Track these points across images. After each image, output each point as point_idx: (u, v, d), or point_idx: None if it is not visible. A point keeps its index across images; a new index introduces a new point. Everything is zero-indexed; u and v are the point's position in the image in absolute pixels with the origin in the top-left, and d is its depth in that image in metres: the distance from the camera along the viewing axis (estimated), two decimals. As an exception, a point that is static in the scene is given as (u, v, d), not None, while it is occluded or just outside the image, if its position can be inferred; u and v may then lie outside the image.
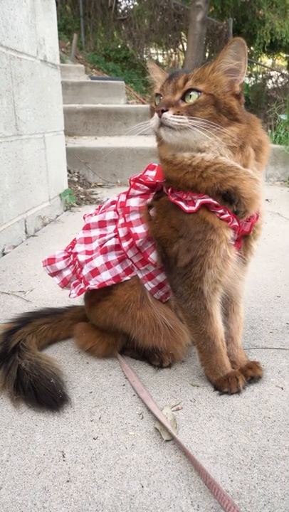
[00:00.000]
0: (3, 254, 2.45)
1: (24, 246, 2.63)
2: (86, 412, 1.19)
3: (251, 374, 1.30)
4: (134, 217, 1.28)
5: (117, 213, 1.36)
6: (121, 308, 1.32)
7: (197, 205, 1.14)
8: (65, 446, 1.07)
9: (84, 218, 1.50)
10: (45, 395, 1.21)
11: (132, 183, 1.31)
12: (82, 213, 3.57)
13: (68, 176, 4.20)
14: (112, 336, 1.40)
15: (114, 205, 1.40)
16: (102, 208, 1.45)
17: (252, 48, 12.75)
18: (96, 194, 4.16)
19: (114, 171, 4.63)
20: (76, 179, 4.43)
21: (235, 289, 1.28)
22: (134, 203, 1.29)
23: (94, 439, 1.09)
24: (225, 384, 1.26)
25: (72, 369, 1.39)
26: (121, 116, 5.90)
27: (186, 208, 1.15)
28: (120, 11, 13.23)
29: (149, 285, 1.32)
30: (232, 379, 1.25)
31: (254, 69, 13.61)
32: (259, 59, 13.71)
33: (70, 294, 1.38)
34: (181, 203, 1.16)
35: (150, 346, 1.35)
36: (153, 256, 1.28)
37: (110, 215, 1.38)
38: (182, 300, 1.24)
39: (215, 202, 1.14)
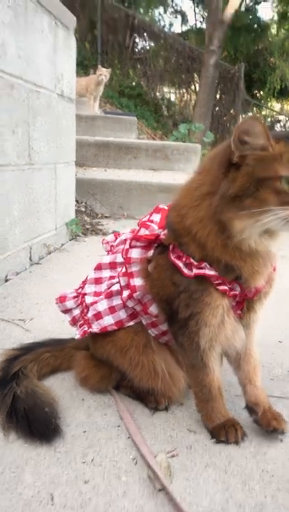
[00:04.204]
0: (6, 280, 2.45)
1: (27, 273, 2.62)
2: (78, 452, 1.15)
3: (275, 425, 1.22)
4: (135, 268, 1.27)
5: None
6: (120, 349, 1.30)
7: (193, 273, 1.12)
8: (54, 488, 1.03)
9: (103, 243, 1.51)
10: (38, 423, 1.19)
11: (139, 226, 1.31)
12: (88, 243, 3.60)
13: (76, 205, 4.24)
14: (107, 368, 1.38)
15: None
16: (117, 241, 1.46)
17: (262, 92, 13.14)
18: (102, 225, 4.19)
19: (121, 204, 4.68)
20: (83, 209, 4.47)
21: (237, 347, 1.25)
22: (135, 254, 1.27)
23: (85, 482, 1.05)
24: (222, 432, 1.22)
25: (68, 405, 1.35)
26: (131, 151, 6.00)
27: (185, 271, 1.14)
28: (137, 50, 13.72)
29: (153, 331, 1.30)
30: (229, 428, 1.22)
31: (263, 112, 13.97)
32: (268, 103, 14.10)
33: (75, 335, 1.39)
34: (180, 264, 1.15)
35: (146, 389, 1.32)
36: (153, 309, 1.26)
37: (121, 256, 1.37)
38: (182, 349, 1.23)
39: (211, 273, 1.11)
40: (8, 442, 1.17)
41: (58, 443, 1.17)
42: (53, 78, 2.95)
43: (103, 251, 1.53)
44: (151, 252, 1.27)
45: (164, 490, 1.03)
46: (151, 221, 1.32)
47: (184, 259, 1.14)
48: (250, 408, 1.28)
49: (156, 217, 1.32)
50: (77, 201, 4.44)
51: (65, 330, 1.84)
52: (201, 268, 1.12)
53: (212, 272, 1.12)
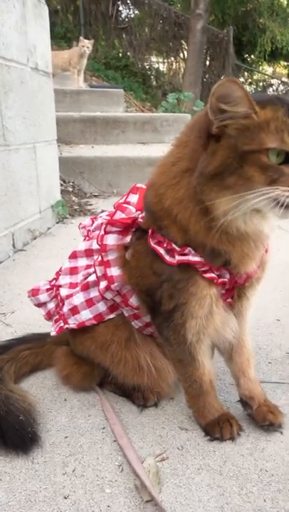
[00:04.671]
0: (-12, 270, 2.32)
1: (11, 262, 2.49)
2: (59, 462, 1.05)
3: (271, 419, 1.12)
4: (111, 256, 1.13)
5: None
6: (100, 345, 1.18)
7: (176, 260, 1.00)
8: (30, 507, 0.93)
9: (79, 228, 1.38)
10: (12, 433, 1.08)
11: (115, 209, 1.17)
12: (75, 225, 3.45)
13: (62, 186, 4.08)
14: (89, 365, 1.27)
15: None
16: (93, 226, 1.32)
17: (252, 56, 12.72)
18: (91, 205, 4.04)
19: (110, 181, 4.51)
20: (71, 189, 4.31)
21: (228, 339, 1.12)
22: (111, 240, 1.14)
23: (65, 497, 0.95)
24: (216, 428, 1.12)
25: (48, 407, 1.25)
26: (119, 125, 5.78)
27: (167, 258, 1.00)
28: (121, 19, 13.21)
29: (136, 323, 1.18)
30: (224, 424, 1.11)
31: (255, 77, 13.56)
32: (260, 67, 13.67)
33: (51, 331, 1.28)
34: (161, 251, 1.01)
35: (132, 385, 1.21)
36: (133, 300, 1.13)
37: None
38: (167, 343, 1.11)
39: (196, 260, 0.98)
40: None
41: (36, 453, 1.07)
42: (25, 51, 2.74)
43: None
44: (128, 238, 1.14)
45: (152, 501, 0.93)
46: (128, 203, 1.18)
47: (164, 245, 1.01)
48: (245, 402, 1.18)
49: (134, 198, 1.18)
50: (63, 181, 4.27)
51: (47, 322, 1.72)
52: (185, 254, 0.99)
53: (197, 258, 0.99)
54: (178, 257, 0.99)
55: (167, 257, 1.01)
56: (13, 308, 1.87)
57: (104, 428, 1.17)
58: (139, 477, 0.97)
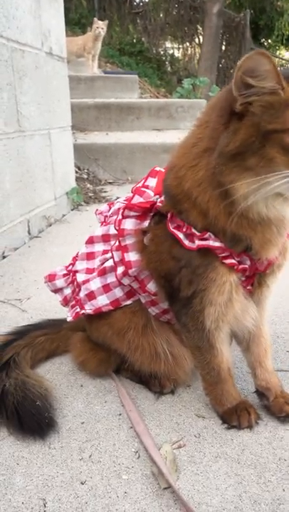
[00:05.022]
0: (4, 257, 2.33)
1: (26, 248, 2.50)
2: (75, 448, 1.05)
3: (288, 411, 1.11)
4: (129, 241, 1.11)
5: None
6: (117, 332, 1.17)
7: (195, 245, 0.97)
8: (47, 492, 0.93)
9: (96, 214, 1.36)
10: (29, 418, 1.08)
11: (132, 193, 1.15)
12: (90, 212, 3.44)
13: (77, 173, 4.06)
14: (105, 352, 1.26)
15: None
16: (111, 211, 1.30)
17: (270, 40, 12.43)
18: (106, 192, 4.02)
19: (124, 168, 4.48)
20: (86, 176, 4.29)
21: (248, 327, 1.10)
22: (129, 225, 1.12)
23: (82, 483, 0.95)
24: (233, 417, 1.10)
25: (65, 393, 1.25)
26: (133, 111, 5.72)
27: (186, 243, 0.98)
28: (135, 4, 13.01)
29: (153, 310, 1.16)
30: (242, 412, 1.10)
31: (272, 62, 13.25)
32: (277, 52, 13.37)
33: (67, 317, 1.26)
34: (180, 235, 0.99)
35: (148, 372, 1.20)
36: (151, 286, 1.11)
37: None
38: (185, 330, 1.09)
39: (216, 245, 0.96)
40: (-2, 442, 1.07)
41: (52, 438, 1.07)
42: (39, 35, 2.71)
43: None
44: (146, 223, 1.12)
45: (169, 488, 0.93)
46: (146, 187, 1.15)
47: (184, 229, 0.99)
48: (261, 393, 1.16)
49: (152, 182, 1.16)
50: (78, 168, 4.26)
51: (63, 308, 1.72)
52: (205, 239, 0.96)
53: (217, 244, 0.96)
54: (198, 242, 0.97)
55: (186, 242, 0.99)
56: (29, 295, 1.87)
57: (120, 414, 1.16)
58: (156, 464, 0.96)
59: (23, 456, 1.02)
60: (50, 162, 2.95)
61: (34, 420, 1.06)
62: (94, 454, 1.03)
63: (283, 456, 1.02)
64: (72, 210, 3.41)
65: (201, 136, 0.95)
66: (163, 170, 1.13)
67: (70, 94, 3.40)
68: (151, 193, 1.13)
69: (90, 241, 1.28)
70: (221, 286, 0.98)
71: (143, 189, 1.14)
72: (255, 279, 1.04)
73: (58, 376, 1.33)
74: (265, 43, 13.31)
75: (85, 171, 4.40)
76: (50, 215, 2.96)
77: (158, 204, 1.08)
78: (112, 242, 1.21)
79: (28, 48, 2.54)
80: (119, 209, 1.22)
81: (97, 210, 1.38)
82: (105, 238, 1.26)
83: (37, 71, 2.68)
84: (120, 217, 1.14)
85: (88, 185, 4.10)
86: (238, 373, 1.32)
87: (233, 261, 0.97)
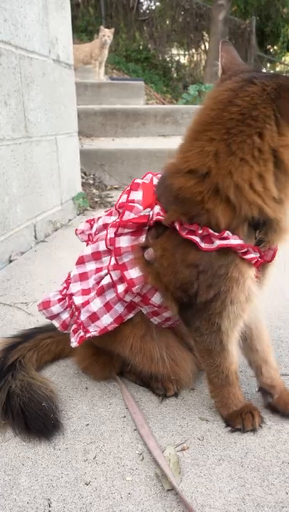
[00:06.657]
0: (10, 261, 2.35)
1: (32, 252, 2.52)
2: (80, 449, 1.06)
3: None
4: (127, 259, 1.10)
5: (108, 249, 1.17)
6: (118, 340, 1.18)
7: (215, 246, 0.96)
8: (52, 492, 0.94)
9: (77, 234, 1.33)
10: (35, 419, 1.10)
11: (116, 209, 1.14)
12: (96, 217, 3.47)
13: (83, 178, 4.10)
14: (107, 355, 1.27)
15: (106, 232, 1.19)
16: (94, 228, 1.27)
17: (275, 47, 12.48)
18: (111, 197, 4.04)
19: (130, 173, 4.51)
20: (92, 181, 4.32)
21: (260, 319, 1.12)
22: (124, 242, 1.10)
23: (86, 484, 0.96)
24: (237, 420, 1.11)
25: (70, 395, 1.26)
26: (139, 117, 5.76)
27: (203, 246, 0.97)
28: (142, 11, 13.13)
29: (155, 320, 1.17)
30: (246, 415, 1.10)
31: (277, 68, 13.31)
32: (283, 58, 13.41)
33: (71, 342, 1.22)
34: (196, 239, 0.97)
35: (150, 374, 1.21)
36: (155, 299, 1.11)
37: (104, 244, 1.18)
38: (197, 333, 1.07)
39: (237, 243, 0.96)
40: (4, 441, 1.08)
41: (57, 439, 1.08)
42: (47, 42, 2.75)
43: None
44: (142, 238, 1.10)
45: (172, 490, 0.93)
46: (132, 201, 1.11)
47: (200, 232, 0.97)
48: (265, 391, 1.16)
49: (137, 195, 1.12)
50: (84, 173, 4.29)
51: (68, 312, 1.74)
52: (225, 238, 0.95)
53: (238, 241, 0.96)
54: (218, 242, 0.96)
55: (203, 244, 0.97)
56: (36, 298, 1.89)
57: (124, 417, 1.17)
58: (159, 466, 0.97)
59: (28, 456, 1.04)
60: (56, 167, 2.98)
61: (40, 421, 1.08)
62: (98, 456, 1.04)
63: (287, 459, 1.03)
64: (78, 215, 3.44)
65: None
66: (145, 181, 1.13)
67: (77, 100, 3.43)
68: (140, 207, 1.09)
69: (81, 261, 1.24)
70: (243, 283, 0.98)
71: (131, 204, 1.10)
72: (260, 271, 1.06)
73: (63, 378, 1.34)
74: (271, 50, 13.38)
75: (91, 176, 4.43)
76: (56, 220, 2.99)
77: (156, 217, 1.05)
78: (104, 259, 1.20)
79: (35, 55, 2.58)
80: (105, 225, 1.21)
81: (76, 229, 1.34)
82: (96, 256, 1.22)
83: (44, 78, 2.71)
84: (112, 235, 1.12)
85: (94, 191, 4.13)
86: (242, 377, 1.33)
87: (252, 255, 0.98)
